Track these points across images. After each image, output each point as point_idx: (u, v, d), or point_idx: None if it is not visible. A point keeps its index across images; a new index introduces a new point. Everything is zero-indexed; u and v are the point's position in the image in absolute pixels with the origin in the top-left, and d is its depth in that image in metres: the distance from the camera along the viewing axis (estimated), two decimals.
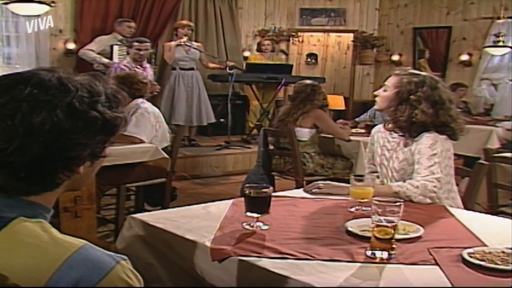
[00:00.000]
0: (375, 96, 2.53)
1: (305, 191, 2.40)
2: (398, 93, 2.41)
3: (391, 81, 2.47)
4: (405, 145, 2.43)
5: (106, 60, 6.40)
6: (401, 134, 2.44)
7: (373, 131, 2.67)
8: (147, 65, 5.99)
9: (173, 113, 6.71)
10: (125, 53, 6.56)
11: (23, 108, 0.96)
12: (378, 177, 2.58)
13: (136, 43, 5.78)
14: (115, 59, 6.44)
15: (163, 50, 7.00)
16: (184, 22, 7.06)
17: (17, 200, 1.01)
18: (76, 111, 1.00)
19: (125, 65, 5.65)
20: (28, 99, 0.97)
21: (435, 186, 2.24)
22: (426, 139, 2.33)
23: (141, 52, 5.73)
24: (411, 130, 2.39)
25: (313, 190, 2.36)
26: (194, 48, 6.81)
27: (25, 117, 0.96)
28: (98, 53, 6.49)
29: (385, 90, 2.48)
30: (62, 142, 0.98)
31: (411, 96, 2.37)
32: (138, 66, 5.70)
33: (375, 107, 2.58)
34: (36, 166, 0.98)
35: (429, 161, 2.29)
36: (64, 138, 0.98)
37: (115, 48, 6.49)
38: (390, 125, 2.50)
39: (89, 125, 1.01)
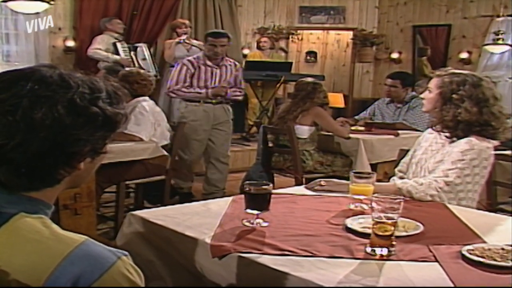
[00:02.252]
0: (423, 99, 2.52)
1: (307, 188, 2.40)
2: (441, 93, 2.41)
3: (433, 83, 2.46)
4: (443, 145, 2.43)
5: (118, 57, 6.44)
6: (447, 135, 2.42)
7: (425, 131, 2.66)
8: (228, 64, 4.98)
9: (172, 110, 6.70)
10: (127, 50, 6.59)
11: (24, 104, 0.96)
12: (401, 177, 2.57)
13: (210, 38, 4.79)
14: (122, 56, 6.47)
15: (164, 48, 7.00)
16: (181, 20, 7.04)
17: (18, 196, 1.01)
18: (77, 107, 1.00)
19: (189, 61, 4.87)
20: (29, 95, 0.97)
21: (440, 188, 2.22)
22: (464, 145, 2.31)
23: (216, 49, 4.77)
24: (457, 130, 2.37)
25: (315, 187, 2.36)
26: (195, 46, 6.80)
27: (26, 112, 0.96)
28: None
29: (429, 92, 2.47)
30: (63, 137, 0.98)
31: (454, 95, 2.36)
32: (211, 64, 4.86)
33: (423, 109, 2.55)
34: (37, 162, 0.98)
35: (452, 165, 2.27)
36: (65, 133, 0.98)
37: (119, 45, 6.52)
38: (437, 126, 2.48)
39: (90, 121, 1.02)
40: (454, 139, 2.39)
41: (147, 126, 3.95)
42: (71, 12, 7.22)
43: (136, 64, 6.45)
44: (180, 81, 4.83)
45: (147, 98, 4.15)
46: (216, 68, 4.88)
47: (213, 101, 4.92)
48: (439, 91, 2.42)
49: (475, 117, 2.34)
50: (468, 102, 2.35)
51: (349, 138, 4.51)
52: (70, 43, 7.11)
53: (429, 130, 2.61)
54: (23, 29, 6.70)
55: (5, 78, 1.01)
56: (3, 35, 6.82)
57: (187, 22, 7.01)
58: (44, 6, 5.77)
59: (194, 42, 6.88)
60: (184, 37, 6.71)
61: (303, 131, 4.45)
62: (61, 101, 0.99)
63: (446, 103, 2.39)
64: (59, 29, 7.15)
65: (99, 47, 6.49)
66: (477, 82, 2.40)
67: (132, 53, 6.66)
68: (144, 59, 6.76)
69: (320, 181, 2.38)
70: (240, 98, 5.25)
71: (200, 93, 4.86)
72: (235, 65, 5.09)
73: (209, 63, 4.84)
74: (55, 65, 1.07)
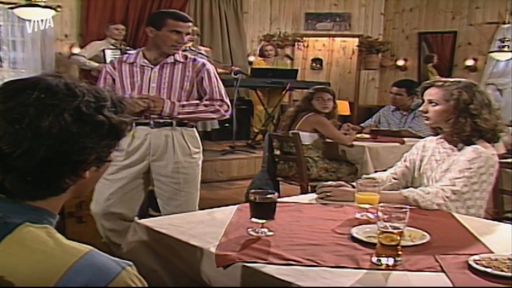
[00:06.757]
0: (425, 112, 2.42)
1: (316, 193, 2.39)
2: (455, 105, 2.33)
3: (437, 95, 2.38)
4: (449, 155, 2.40)
5: (95, 65, 6.47)
6: (458, 147, 2.37)
7: (425, 139, 2.60)
8: (179, 60, 3.04)
9: None
10: (118, 57, 6.57)
11: (31, 112, 0.97)
12: (394, 179, 2.55)
13: (172, 20, 2.99)
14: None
15: None
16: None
17: (23, 206, 1.01)
18: (83, 115, 1.01)
19: (111, 62, 3.24)
20: (36, 103, 0.98)
21: (447, 197, 2.20)
22: (471, 153, 2.27)
23: (181, 38, 3.00)
24: (470, 139, 2.33)
25: (320, 195, 2.35)
26: (201, 53, 6.81)
27: (33, 121, 0.96)
28: (91, 58, 6.58)
29: (435, 105, 2.39)
30: (69, 146, 0.99)
31: (471, 106, 2.31)
32: (144, 62, 3.06)
33: (427, 122, 2.46)
34: (43, 170, 0.99)
35: (459, 173, 2.24)
36: (71, 142, 0.99)
37: (107, 52, 6.53)
38: (450, 137, 2.41)
39: (96, 129, 1.02)
40: (461, 146, 2.37)
41: None
42: (77, 19, 7.27)
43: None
44: None
45: None
46: (150, 68, 3.03)
47: (147, 121, 2.96)
48: (451, 102, 2.34)
49: (488, 126, 2.32)
50: (484, 110, 2.32)
51: (352, 145, 4.49)
52: (76, 50, 7.14)
53: (429, 138, 2.57)
54: (29, 36, 6.74)
55: (12, 87, 1.02)
56: (10, 42, 6.86)
57: (194, 29, 7.01)
58: (51, 13, 5.82)
59: (202, 49, 6.90)
60: (189, 44, 6.71)
61: (305, 137, 4.43)
62: (67, 109, 0.99)
63: (460, 114, 2.33)
64: (66, 36, 7.19)
65: (83, 54, 6.61)
66: (478, 88, 2.38)
67: None
68: None
69: (329, 184, 2.37)
70: (214, 116, 3.09)
71: None
72: (195, 61, 3.05)
73: (142, 61, 3.05)
74: (60, 74, 1.08)
